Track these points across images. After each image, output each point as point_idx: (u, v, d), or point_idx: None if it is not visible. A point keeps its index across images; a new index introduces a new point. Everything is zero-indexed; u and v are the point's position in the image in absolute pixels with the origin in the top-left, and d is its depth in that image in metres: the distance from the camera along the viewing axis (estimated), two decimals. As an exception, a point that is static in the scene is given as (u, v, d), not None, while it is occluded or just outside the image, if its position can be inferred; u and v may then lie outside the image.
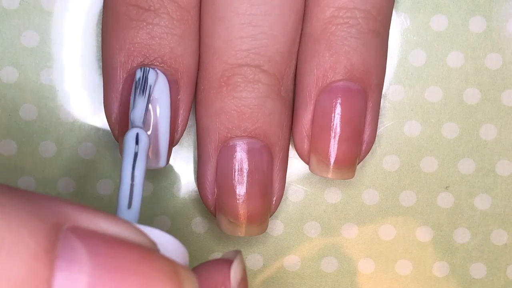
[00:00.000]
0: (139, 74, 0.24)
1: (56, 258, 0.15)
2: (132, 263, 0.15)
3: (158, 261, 0.15)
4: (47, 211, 0.15)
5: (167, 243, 0.17)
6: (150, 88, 0.24)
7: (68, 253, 0.15)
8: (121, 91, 0.25)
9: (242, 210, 0.26)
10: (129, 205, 0.20)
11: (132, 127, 0.23)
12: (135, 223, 0.17)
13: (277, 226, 0.29)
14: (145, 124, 0.24)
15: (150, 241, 0.16)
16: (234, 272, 0.20)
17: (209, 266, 0.20)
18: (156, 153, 0.25)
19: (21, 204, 0.15)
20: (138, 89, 0.24)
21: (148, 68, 0.24)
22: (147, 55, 0.25)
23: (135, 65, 0.25)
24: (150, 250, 0.16)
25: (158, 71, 0.25)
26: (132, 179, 0.21)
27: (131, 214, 0.20)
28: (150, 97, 0.24)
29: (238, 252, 0.21)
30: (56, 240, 0.15)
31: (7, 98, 0.28)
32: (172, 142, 0.26)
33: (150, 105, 0.25)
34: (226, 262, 0.21)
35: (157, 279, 0.15)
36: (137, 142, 0.21)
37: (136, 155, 0.21)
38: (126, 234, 0.16)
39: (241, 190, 0.26)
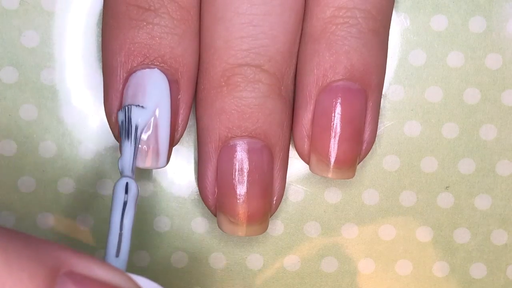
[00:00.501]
0: (121, 116, 0.24)
1: None
2: None
3: None
4: (45, 256, 0.15)
5: None
6: (136, 129, 0.24)
7: None
8: (121, 90, 0.25)
9: (242, 210, 0.26)
10: (117, 254, 0.21)
11: (122, 176, 0.23)
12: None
13: (277, 226, 0.29)
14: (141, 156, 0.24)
15: None
16: None
17: None
18: (156, 153, 0.25)
19: (21, 248, 0.15)
20: (123, 133, 0.24)
21: (130, 106, 0.24)
22: (147, 55, 0.25)
23: (135, 64, 0.25)
24: None
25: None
26: (121, 228, 0.21)
27: (119, 262, 0.21)
28: (138, 139, 0.24)
29: None
30: (54, 284, 0.15)
31: (7, 98, 0.28)
32: (173, 142, 0.26)
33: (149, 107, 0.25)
34: None
35: None
36: (126, 191, 0.22)
37: (125, 204, 0.22)
38: (119, 282, 0.16)
39: (241, 190, 0.26)
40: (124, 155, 0.24)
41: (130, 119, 0.24)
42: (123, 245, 0.21)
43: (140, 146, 0.24)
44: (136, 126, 0.24)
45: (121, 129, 0.24)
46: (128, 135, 0.24)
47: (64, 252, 0.16)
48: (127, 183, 0.22)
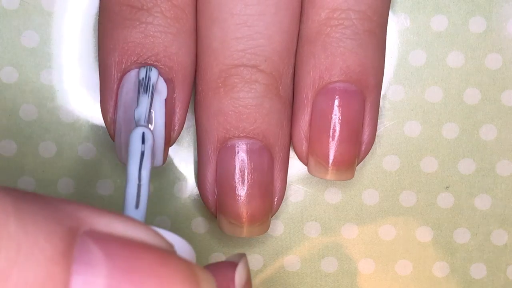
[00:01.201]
0: (143, 73, 0.24)
1: (73, 262, 0.14)
2: (149, 265, 0.15)
3: (176, 262, 0.15)
4: (63, 215, 0.15)
5: (180, 245, 0.17)
6: (152, 87, 0.24)
7: (85, 256, 0.15)
8: (116, 90, 0.25)
9: (242, 210, 0.26)
10: (137, 205, 0.20)
11: (137, 126, 0.23)
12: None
13: (277, 226, 0.29)
14: (149, 122, 0.24)
15: (167, 243, 0.16)
16: (239, 275, 0.20)
17: (213, 268, 0.20)
18: (152, 152, 0.25)
19: (37, 208, 0.15)
20: (142, 87, 0.24)
21: (151, 67, 0.24)
22: (141, 54, 0.25)
23: (129, 64, 0.25)
24: (167, 251, 0.16)
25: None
26: (139, 179, 0.21)
27: (139, 214, 0.20)
28: (153, 95, 0.24)
29: (242, 255, 0.21)
30: (73, 243, 0.15)
31: (7, 99, 0.28)
32: (169, 141, 0.26)
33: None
34: (231, 265, 0.20)
35: (175, 280, 0.15)
36: (143, 141, 0.21)
37: (142, 154, 0.21)
38: (143, 237, 0.16)
39: (240, 190, 0.26)
40: (141, 105, 0.23)
41: (150, 77, 0.24)
42: (142, 196, 0.20)
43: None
44: (153, 84, 0.24)
45: (140, 84, 0.24)
46: (146, 90, 0.24)
47: (83, 210, 0.15)
48: (143, 133, 0.22)
